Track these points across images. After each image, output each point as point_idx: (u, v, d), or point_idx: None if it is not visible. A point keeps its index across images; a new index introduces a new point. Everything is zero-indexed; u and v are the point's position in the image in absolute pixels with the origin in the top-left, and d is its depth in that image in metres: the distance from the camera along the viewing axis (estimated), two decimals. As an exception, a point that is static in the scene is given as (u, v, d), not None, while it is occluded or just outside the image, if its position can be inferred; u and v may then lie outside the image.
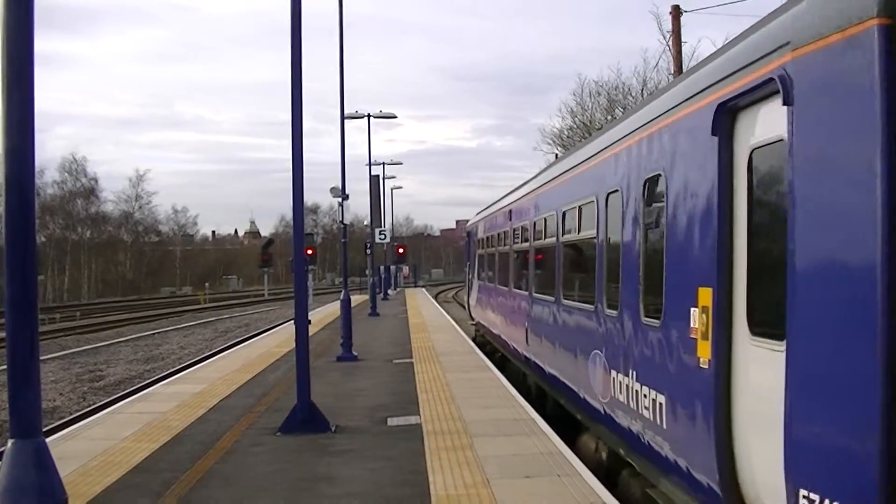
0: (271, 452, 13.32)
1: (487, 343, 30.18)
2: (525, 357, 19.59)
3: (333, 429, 14.79)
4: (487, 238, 29.33)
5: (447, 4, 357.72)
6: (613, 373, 11.29)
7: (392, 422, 15.53)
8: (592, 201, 12.78)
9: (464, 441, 13.57)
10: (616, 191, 11.35)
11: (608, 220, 11.96)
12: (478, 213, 35.80)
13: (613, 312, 11.46)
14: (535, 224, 18.47)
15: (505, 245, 24.18)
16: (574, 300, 14.36)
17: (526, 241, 19.77)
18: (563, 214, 15.40)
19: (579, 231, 14.20)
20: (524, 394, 18.41)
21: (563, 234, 15.37)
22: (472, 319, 36.90)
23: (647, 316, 9.94)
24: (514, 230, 22.07)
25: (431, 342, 30.68)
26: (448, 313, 49.84)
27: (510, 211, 22.90)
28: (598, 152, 12.59)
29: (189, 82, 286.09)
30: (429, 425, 14.93)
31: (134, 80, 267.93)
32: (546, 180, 17.61)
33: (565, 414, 15.12)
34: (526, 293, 19.48)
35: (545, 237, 17.15)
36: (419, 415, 15.97)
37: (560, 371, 15.21)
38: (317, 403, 15.06)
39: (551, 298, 16.03)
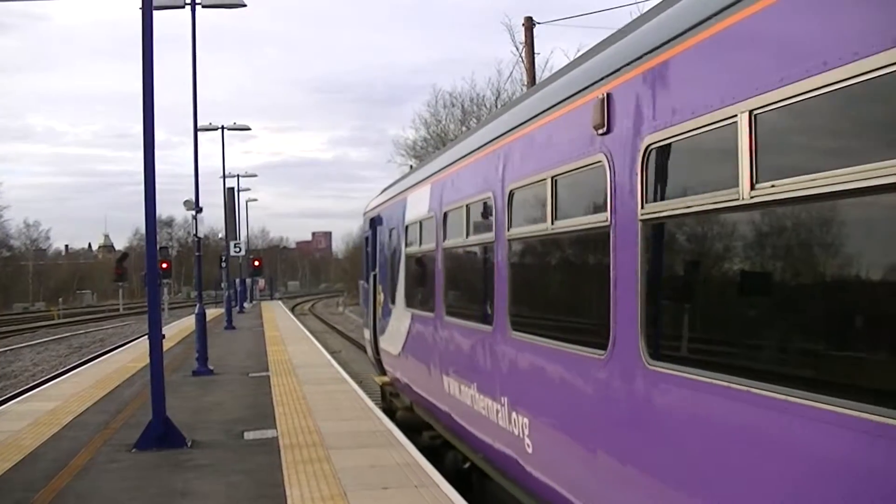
0: (126, 469, 13.21)
1: (422, 426, 16.49)
2: None
3: (189, 444, 14.74)
4: (448, 215, 13.61)
5: (307, 16, 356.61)
6: None
7: (249, 436, 15.55)
8: None
9: (321, 454, 13.71)
10: None
11: None
12: (400, 181, 20.14)
13: None
14: None
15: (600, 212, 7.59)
16: None
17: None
18: None
19: None
20: None
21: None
22: (383, 373, 20.66)
23: None
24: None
25: (288, 355, 30.65)
26: (304, 325, 49.78)
27: (607, 100, 7.34)
28: None
29: (41, 93, 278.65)
30: (286, 438, 15.00)
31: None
32: None
33: None
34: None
35: None
36: (276, 428, 16.02)
37: None
38: (172, 418, 14.99)
39: None
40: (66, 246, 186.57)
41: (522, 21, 31.59)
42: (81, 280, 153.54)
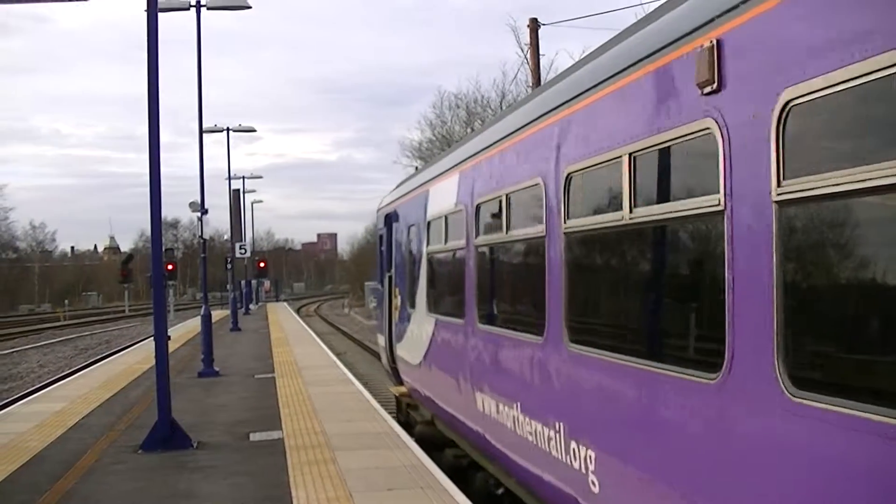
0: (132, 470, 13.22)
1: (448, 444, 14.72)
2: None
3: (195, 445, 14.74)
4: (481, 208, 11.86)
5: (311, 18, 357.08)
6: None
7: (254, 437, 15.54)
8: None
9: (326, 455, 13.69)
10: None
11: None
12: (419, 172, 19.08)
13: None
14: None
15: None
16: None
17: None
18: None
19: None
20: None
21: None
22: (400, 383, 19.12)
23: None
24: None
25: (293, 356, 30.63)
26: (310, 327, 49.80)
27: (718, 48, 5.67)
28: None
29: (46, 95, 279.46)
30: (291, 440, 14.99)
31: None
32: None
33: None
34: None
35: None
36: (281, 429, 16.01)
37: None
38: (178, 420, 14.99)
39: None
40: (72, 247, 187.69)
41: (527, 22, 31.53)
42: (87, 282, 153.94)
